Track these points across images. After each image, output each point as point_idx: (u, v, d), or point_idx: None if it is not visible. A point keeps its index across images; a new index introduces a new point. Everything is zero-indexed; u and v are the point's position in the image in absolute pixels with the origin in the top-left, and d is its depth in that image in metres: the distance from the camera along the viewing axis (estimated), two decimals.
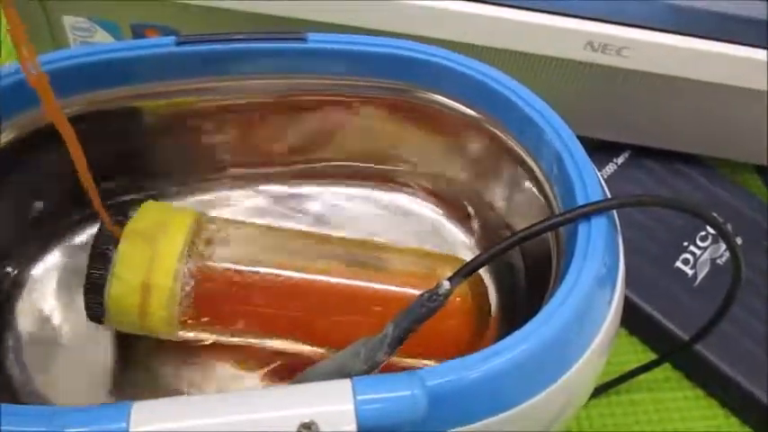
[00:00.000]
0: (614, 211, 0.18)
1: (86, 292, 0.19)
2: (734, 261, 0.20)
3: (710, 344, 0.27)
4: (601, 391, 0.27)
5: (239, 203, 0.24)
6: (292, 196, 0.24)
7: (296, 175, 0.24)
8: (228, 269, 0.19)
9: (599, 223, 0.17)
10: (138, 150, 0.24)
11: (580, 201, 0.17)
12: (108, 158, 0.21)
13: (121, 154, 0.23)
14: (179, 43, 0.20)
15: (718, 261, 0.30)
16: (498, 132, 0.20)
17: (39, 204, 0.22)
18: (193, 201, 0.24)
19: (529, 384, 0.15)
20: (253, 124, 0.23)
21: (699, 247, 0.30)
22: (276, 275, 0.19)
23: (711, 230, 0.31)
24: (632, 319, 0.29)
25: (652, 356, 0.28)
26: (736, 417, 0.28)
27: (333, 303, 0.19)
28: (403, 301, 0.16)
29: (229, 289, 0.19)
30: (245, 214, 0.24)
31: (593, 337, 0.16)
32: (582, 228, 0.17)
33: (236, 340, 0.20)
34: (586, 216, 0.17)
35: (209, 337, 0.20)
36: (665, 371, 0.29)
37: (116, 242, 0.19)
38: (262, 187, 0.24)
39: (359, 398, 0.12)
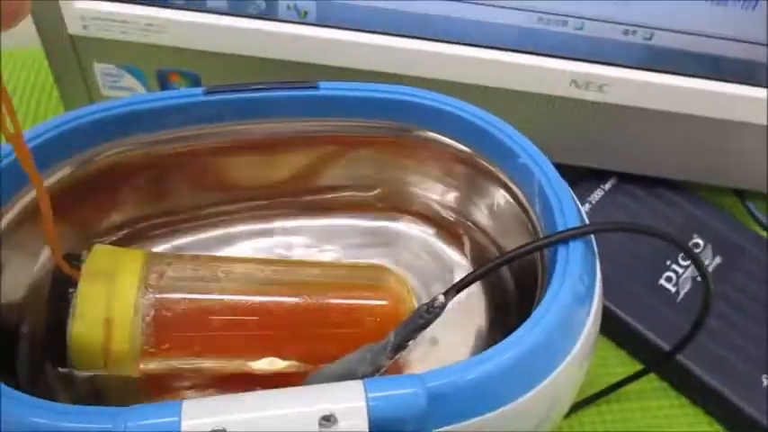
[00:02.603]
0: (591, 235, 0.21)
1: (48, 333, 0.19)
2: (703, 280, 0.23)
3: (692, 355, 0.29)
4: (592, 400, 0.29)
5: (240, 242, 0.26)
6: (302, 227, 0.27)
7: (306, 207, 0.27)
8: (183, 298, 0.21)
9: (576, 246, 0.19)
10: (162, 187, 0.26)
11: (560, 225, 0.20)
12: (135, 195, 0.24)
13: (148, 192, 0.26)
14: (207, 93, 0.22)
15: (699, 278, 0.32)
16: (486, 164, 0.23)
17: None
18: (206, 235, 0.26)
19: (517, 386, 0.17)
20: (269, 160, 0.26)
21: (681, 266, 0.33)
22: (226, 300, 0.21)
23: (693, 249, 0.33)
24: (621, 334, 0.31)
25: (640, 368, 0.31)
26: (720, 425, 0.30)
27: (284, 320, 0.21)
28: (349, 310, 0.18)
29: (185, 315, 0.21)
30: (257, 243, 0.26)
31: (573, 345, 0.18)
32: (561, 250, 0.19)
33: (197, 366, 0.21)
34: (564, 240, 0.19)
35: (170, 367, 0.21)
36: (652, 381, 0.31)
37: (74, 285, 0.20)
38: (261, 223, 0.26)
39: (370, 395, 0.15)
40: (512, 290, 0.23)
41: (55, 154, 0.21)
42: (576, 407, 0.29)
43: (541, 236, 0.20)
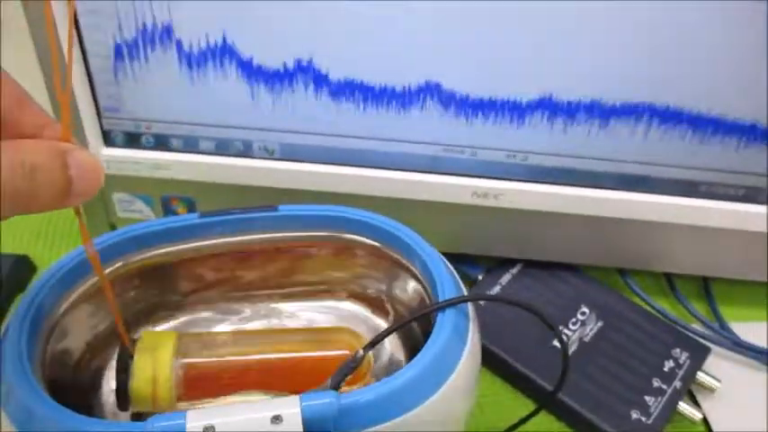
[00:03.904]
0: (467, 303, 0.30)
1: (117, 389, 0.29)
2: (561, 345, 0.32)
3: (577, 396, 0.38)
4: None
5: (233, 316, 0.36)
6: (273, 310, 0.36)
7: (272, 297, 0.36)
8: (202, 362, 0.30)
9: (450, 311, 0.29)
10: (168, 286, 0.36)
11: (440, 296, 0.29)
12: (148, 288, 0.34)
13: (158, 290, 0.35)
14: (201, 216, 0.32)
15: (584, 339, 0.42)
16: (395, 255, 0.32)
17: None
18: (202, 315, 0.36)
19: (404, 404, 0.26)
20: (246, 263, 0.35)
21: (570, 330, 0.42)
22: (233, 360, 0.31)
23: (580, 317, 0.43)
24: (524, 385, 0.40)
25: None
26: None
27: (271, 370, 0.31)
28: (317, 360, 0.27)
29: (205, 373, 0.30)
30: (239, 323, 0.35)
31: (449, 375, 0.27)
32: (440, 314, 0.29)
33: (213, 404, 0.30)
34: (441, 308, 0.29)
35: (194, 406, 0.30)
36: (551, 422, 0.39)
37: (131, 356, 0.29)
38: (248, 306, 0.36)
39: (303, 404, 0.23)
40: (420, 339, 0.32)
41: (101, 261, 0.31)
42: None
43: (429, 304, 0.30)
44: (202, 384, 0.30)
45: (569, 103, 0.38)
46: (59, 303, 0.29)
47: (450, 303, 0.29)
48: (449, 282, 0.30)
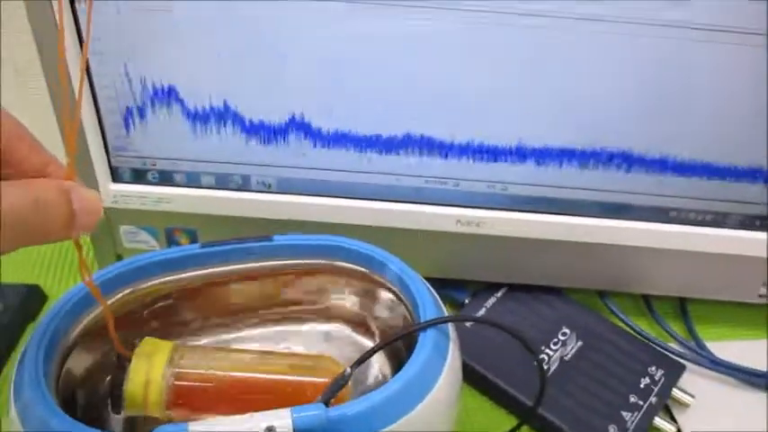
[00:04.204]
0: (448, 324, 0.33)
1: (112, 391, 0.31)
2: (537, 365, 0.34)
3: (558, 413, 0.40)
4: None
5: (229, 335, 0.38)
6: (267, 333, 0.39)
7: (266, 321, 0.39)
8: (192, 372, 0.32)
9: (431, 331, 0.31)
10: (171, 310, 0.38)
11: (422, 316, 0.32)
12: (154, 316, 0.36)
13: (162, 313, 0.38)
14: (202, 246, 0.35)
15: (565, 358, 0.44)
16: (380, 279, 0.35)
17: None
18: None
19: (388, 416, 0.28)
20: (244, 289, 0.38)
21: (552, 349, 0.44)
22: (222, 374, 0.32)
23: (561, 337, 0.45)
24: (507, 401, 0.42)
25: (524, 429, 0.41)
26: None
27: (257, 390, 0.33)
28: (299, 384, 0.30)
29: (193, 383, 0.32)
30: (234, 343, 0.38)
31: (430, 389, 0.30)
32: (422, 333, 0.31)
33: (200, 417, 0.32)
34: (423, 328, 0.31)
35: (182, 415, 0.31)
36: None
37: (129, 360, 0.31)
38: (243, 328, 0.39)
39: (294, 415, 0.26)
40: (404, 355, 0.35)
41: (109, 289, 0.34)
42: None
43: (411, 325, 0.33)
44: (191, 394, 0.32)
45: (544, 149, 0.41)
46: (72, 328, 0.32)
47: (431, 324, 0.31)
48: (430, 304, 0.33)
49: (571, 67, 0.38)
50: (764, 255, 0.44)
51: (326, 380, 0.33)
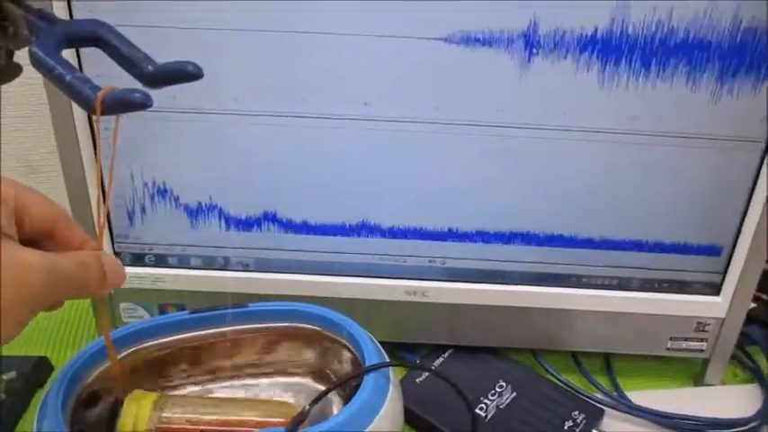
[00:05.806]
0: (388, 369, 0.41)
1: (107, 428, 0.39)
2: (470, 412, 0.42)
3: None
4: None
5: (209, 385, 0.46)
6: (245, 385, 0.46)
7: (242, 375, 0.47)
8: (175, 417, 0.39)
9: (373, 374, 0.39)
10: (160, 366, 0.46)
11: (367, 362, 0.40)
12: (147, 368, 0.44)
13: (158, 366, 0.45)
14: (191, 313, 0.43)
15: (500, 406, 0.51)
16: (334, 336, 0.43)
17: None
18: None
19: None
20: (222, 349, 0.46)
21: (489, 400, 0.52)
22: (198, 417, 0.40)
23: (497, 389, 0.53)
24: None
25: None
26: None
27: (226, 426, 0.40)
28: (266, 424, 0.38)
29: (175, 426, 0.39)
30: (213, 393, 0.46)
31: (371, 421, 0.37)
32: (366, 376, 0.39)
33: None
34: (367, 371, 0.39)
35: None
36: None
37: (122, 404, 0.39)
38: (221, 381, 0.46)
39: None
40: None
41: (118, 345, 0.42)
42: None
43: (356, 371, 0.41)
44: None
45: (476, 233, 0.50)
46: (89, 374, 0.40)
47: (371, 369, 0.39)
48: (373, 353, 0.41)
49: (526, 169, 0.48)
50: (667, 312, 0.53)
51: (283, 420, 0.41)
